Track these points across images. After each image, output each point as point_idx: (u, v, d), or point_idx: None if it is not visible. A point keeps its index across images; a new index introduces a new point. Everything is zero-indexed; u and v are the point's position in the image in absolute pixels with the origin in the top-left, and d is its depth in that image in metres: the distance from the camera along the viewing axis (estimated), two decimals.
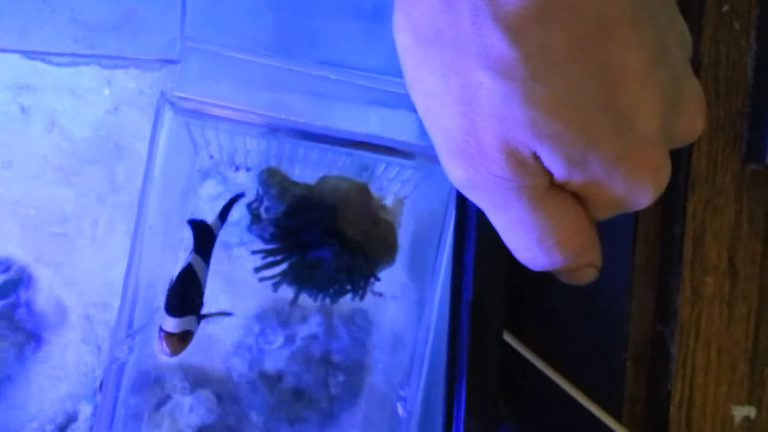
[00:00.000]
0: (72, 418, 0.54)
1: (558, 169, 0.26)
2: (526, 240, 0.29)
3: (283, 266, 0.44)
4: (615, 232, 0.45)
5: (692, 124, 0.29)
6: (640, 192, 0.28)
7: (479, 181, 0.27)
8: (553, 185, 0.28)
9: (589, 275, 0.31)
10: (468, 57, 0.25)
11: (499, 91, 0.25)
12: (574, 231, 0.29)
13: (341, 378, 0.56)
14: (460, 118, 0.26)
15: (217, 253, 0.55)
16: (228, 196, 0.54)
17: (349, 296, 0.46)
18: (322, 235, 0.42)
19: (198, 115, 0.37)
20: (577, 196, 0.29)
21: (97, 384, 0.54)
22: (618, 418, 0.47)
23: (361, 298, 0.43)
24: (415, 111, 0.42)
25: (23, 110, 0.52)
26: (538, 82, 0.25)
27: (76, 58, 0.50)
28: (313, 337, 0.56)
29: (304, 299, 0.48)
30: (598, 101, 0.25)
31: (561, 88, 0.25)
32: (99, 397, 0.53)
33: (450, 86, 0.26)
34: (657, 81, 0.26)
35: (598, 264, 0.31)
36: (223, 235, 0.56)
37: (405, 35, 0.27)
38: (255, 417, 0.56)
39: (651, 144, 0.27)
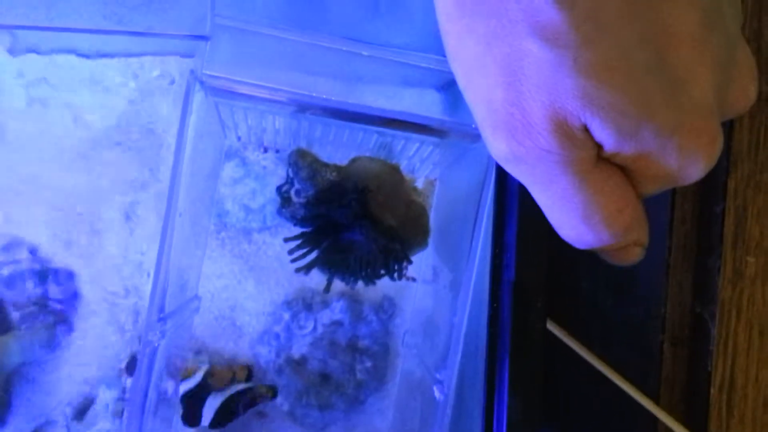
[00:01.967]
0: (93, 401, 0.54)
1: (608, 140, 0.25)
2: (572, 217, 0.28)
3: (316, 251, 0.43)
4: (651, 210, 0.44)
5: (745, 92, 0.28)
6: (693, 165, 0.26)
7: (524, 155, 0.26)
8: (601, 159, 0.27)
9: (635, 255, 0.30)
10: (514, 24, 0.24)
11: (547, 58, 0.24)
12: (621, 207, 0.28)
13: (368, 364, 0.56)
14: (504, 88, 0.25)
15: (237, 238, 0.55)
16: (247, 179, 0.54)
17: (376, 282, 0.46)
18: (354, 218, 0.42)
19: (227, 94, 0.36)
20: (625, 170, 0.28)
21: (122, 367, 0.54)
22: (655, 401, 0.46)
23: (399, 278, 0.42)
24: (440, 90, 0.41)
25: (49, 101, 0.52)
26: (588, 49, 0.23)
27: (100, 49, 0.50)
28: (337, 323, 0.56)
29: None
30: (651, 67, 0.24)
31: (613, 53, 0.24)
32: (128, 382, 0.53)
33: (494, 55, 0.25)
34: (711, 45, 0.25)
35: (644, 242, 0.30)
36: (244, 221, 0.55)
37: (446, 3, 0.26)
38: (282, 402, 0.56)
39: (705, 113, 0.25)
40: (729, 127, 0.44)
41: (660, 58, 0.24)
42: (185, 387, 0.52)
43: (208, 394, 0.52)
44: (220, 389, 0.52)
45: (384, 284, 0.54)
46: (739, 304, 0.45)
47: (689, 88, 0.25)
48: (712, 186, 0.45)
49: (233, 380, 0.53)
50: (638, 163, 0.27)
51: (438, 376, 0.38)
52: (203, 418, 0.52)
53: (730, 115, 0.28)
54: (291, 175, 0.43)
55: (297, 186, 0.42)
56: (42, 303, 0.53)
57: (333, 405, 0.57)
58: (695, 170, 0.27)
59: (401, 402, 0.55)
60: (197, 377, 0.52)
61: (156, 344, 0.37)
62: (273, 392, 0.54)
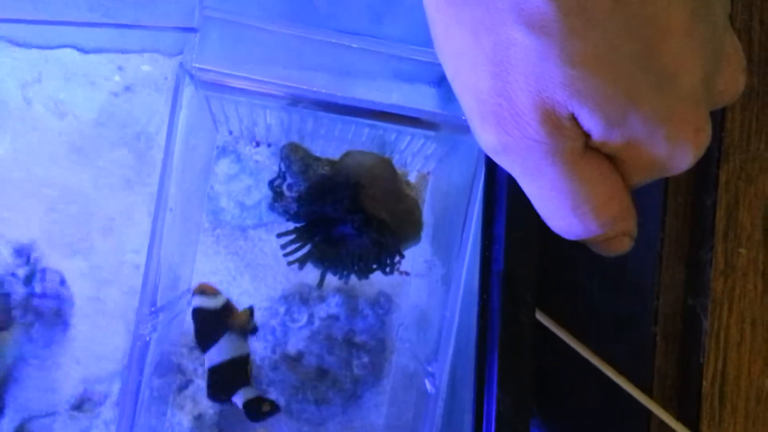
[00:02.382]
0: (90, 399, 0.54)
1: (596, 129, 0.25)
2: (560, 207, 0.28)
3: (308, 246, 0.43)
4: (644, 202, 0.44)
5: (733, 82, 0.28)
6: (681, 153, 0.26)
7: (512, 145, 0.26)
8: (589, 148, 0.27)
9: (624, 245, 0.30)
10: (501, 13, 0.24)
11: (534, 48, 0.24)
12: (610, 197, 0.28)
13: (365, 359, 0.56)
14: (491, 78, 0.25)
15: (233, 235, 0.55)
16: (242, 175, 0.54)
17: (373, 276, 0.46)
18: (347, 213, 0.41)
19: (217, 87, 0.36)
20: (613, 160, 0.28)
21: (119, 365, 0.54)
22: (648, 393, 0.46)
23: (391, 272, 0.42)
24: (435, 84, 0.41)
25: (42, 96, 0.52)
26: (576, 38, 0.23)
27: (94, 44, 0.50)
28: (333, 317, 0.56)
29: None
30: (639, 57, 0.24)
31: (600, 43, 0.24)
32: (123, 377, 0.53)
33: (481, 45, 0.25)
34: (699, 37, 0.25)
35: (633, 233, 0.30)
36: (239, 218, 0.55)
37: None
38: (277, 397, 0.56)
39: (693, 103, 0.25)
40: (720, 118, 0.44)
41: (648, 48, 0.24)
42: (201, 302, 0.49)
43: (224, 331, 0.50)
44: (234, 336, 0.50)
45: (380, 280, 0.54)
46: (731, 297, 0.45)
47: (677, 79, 0.25)
48: (704, 177, 0.45)
49: (245, 332, 0.52)
50: (627, 152, 0.27)
51: (430, 368, 0.38)
52: (210, 354, 0.50)
53: (720, 104, 0.28)
54: (283, 169, 0.43)
55: (289, 180, 0.42)
56: (38, 301, 0.53)
57: (330, 400, 0.57)
58: (684, 159, 0.27)
59: (397, 397, 0.55)
60: (218, 301, 0.50)
61: (147, 338, 0.37)
62: (272, 406, 0.53)
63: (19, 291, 0.53)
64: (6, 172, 0.52)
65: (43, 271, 0.53)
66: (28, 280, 0.53)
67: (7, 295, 0.53)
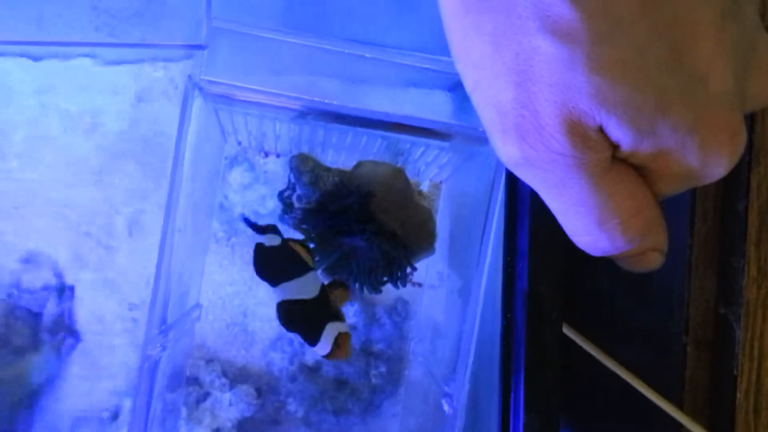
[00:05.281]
0: (118, 414, 0.53)
1: (625, 139, 0.24)
2: (586, 222, 0.27)
3: (317, 258, 0.42)
4: (671, 207, 0.42)
5: (767, 84, 0.26)
6: (715, 161, 0.25)
7: (535, 159, 0.25)
8: (615, 159, 0.25)
9: (654, 261, 0.29)
10: (524, 20, 0.23)
11: (560, 56, 0.22)
12: (638, 210, 0.27)
13: (383, 368, 0.55)
14: (514, 89, 0.24)
15: (248, 244, 0.54)
16: (256, 185, 0.53)
17: (391, 285, 0.44)
18: (358, 224, 0.40)
19: (227, 99, 0.35)
20: (641, 170, 0.26)
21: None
22: (679, 406, 0.44)
23: (404, 285, 0.41)
24: (450, 90, 0.40)
25: (54, 110, 0.51)
26: (602, 44, 0.22)
27: (104, 56, 0.49)
28: (351, 326, 0.55)
29: None
30: (669, 61, 0.23)
31: (627, 48, 0.22)
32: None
33: (503, 55, 0.24)
34: (730, 37, 0.23)
35: (664, 248, 0.29)
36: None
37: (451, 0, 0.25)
38: (296, 408, 0.55)
39: (726, 107, 0.24)
40: (750, 121, 0.42)
41: (677, 51, 0.23)
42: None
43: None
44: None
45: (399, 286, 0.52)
46: (765, 305, 0.43)
47: (708, 82, 0.23)
48: (734, 182, 0.43)
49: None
50: (657, 162, 0.25)
51: (447, 388, 0.37)
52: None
53: (754, 107, 0.27)
54: (293, 180, 0.41)
55: (299, 191, 0.41)
56: (57, 319, 0.52)
57: (349, 410, 0.56)
58: (717, 167, 0.25)
59: (416, 407, 0.54)
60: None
61: (157, 357, 0.36)
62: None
63: (43, 308, 0.52)
64: (21, 185, 0.51)
65: (65, 288, 0.52)
66: (56, 296, 0.52)
67: (38, 315, 0.52)
